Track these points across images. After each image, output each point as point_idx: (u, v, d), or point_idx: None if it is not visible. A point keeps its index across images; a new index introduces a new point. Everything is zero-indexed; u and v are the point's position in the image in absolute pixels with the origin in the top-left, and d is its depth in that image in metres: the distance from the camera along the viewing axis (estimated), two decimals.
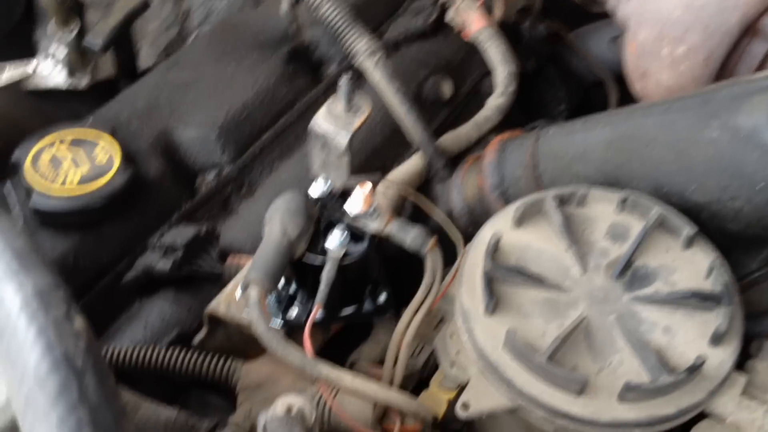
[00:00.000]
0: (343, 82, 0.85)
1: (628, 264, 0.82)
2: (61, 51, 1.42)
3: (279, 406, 0.63)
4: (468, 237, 1.08)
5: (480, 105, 1.30)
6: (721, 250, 0.84)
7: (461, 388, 0.80)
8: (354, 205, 0.80)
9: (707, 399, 0.74)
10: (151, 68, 1.37)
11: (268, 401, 0.80)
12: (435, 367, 0.87)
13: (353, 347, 0.91)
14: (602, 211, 0.87)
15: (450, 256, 0.92)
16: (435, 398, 0.80)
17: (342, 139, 0.87)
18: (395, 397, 0.70)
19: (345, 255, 0.80)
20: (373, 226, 0.81)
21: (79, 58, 1.42)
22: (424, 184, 1.15)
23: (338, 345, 0.92)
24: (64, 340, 0.48)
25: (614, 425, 0.72)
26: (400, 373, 0.76)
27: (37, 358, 0.46)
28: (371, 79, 1.12)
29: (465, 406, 0.76)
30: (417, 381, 0.88)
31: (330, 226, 0.81)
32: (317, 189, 0.84)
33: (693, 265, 0.83)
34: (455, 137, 1.18)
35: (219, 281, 0.94)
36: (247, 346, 0.83)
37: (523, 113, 1.44)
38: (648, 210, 0.85)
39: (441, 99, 1.28)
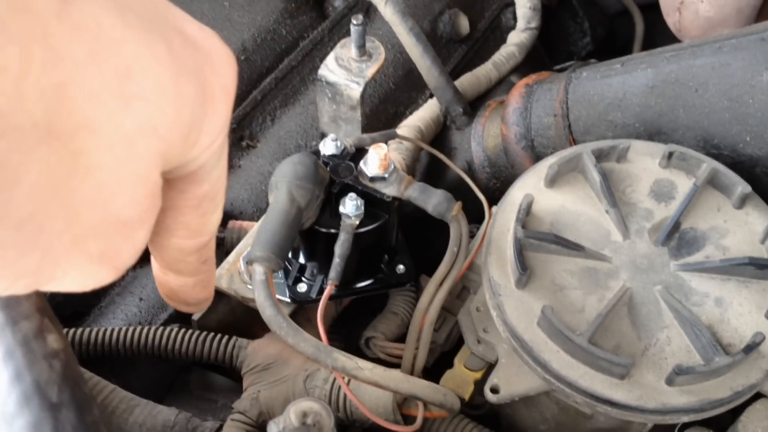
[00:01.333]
0: (354, 25, 0.74)
1: (675, 227, 0.74)
2: None
3: (293, 414, 0.55)
4: (490, 191, 1.00)
5: (500, 41, 1.19)
6: None
7: (489, 367, 0.74)
8: (369, 168, 0.71)
9: (764, 379, 0.67)
10: None
11: (277, 384, 0.74)
12: (459, 339, 0.80)
13: (367, 317, 0.84)
14: (645, 166, 0.78)
15: (472, 212, 0.84)
16: (460, 378, 0.73)
17: (354, 91, 0.77)
18: (419, 387, 0.63)
19: (360, 223, 0.71)
20: (390, 189, 0.72)
21: None
22: (441, 131, 1.05)
23: (351, 316, 0.85)
24: (36, 365, 0.40)
25: (662, 412, 0.65)
26: (422, 357, 0.69)
27: (3, 389, 0.38)
28: (383, 14, 1.02)
29: (495, 389, 0.70)
30: (439, 355, 0.81)
31: (343, 191, 0.73)
32: (327, 148, 0.74)
33: (747, 227, 0.74)
34: (474, 79, 1.08)
35: (220, 247, 0.86)
36: (253, 321, 0.76)
37: (543, 48, 1.33)
38: (697, 165, 0.76)
39: (458, 35, 1.17)
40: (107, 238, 0.31)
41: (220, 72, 0.34)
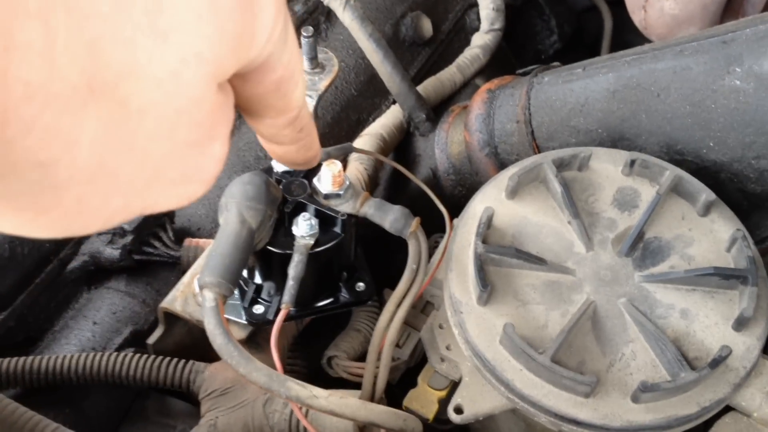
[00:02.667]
0: (304, 37, 0.72)
1: (639, 237, 0.72)
2: None
3: None
4: (456, 198, 0.98)
5: (465, 43, 1.18)
6: (739, 214, 0.74)
7: (454, 385, 0.72)
8: (323, 186, 0.69)
9: (732, 393, 0.65)
10: None
11: (235, 410, 0.72)
12: (424, 355, 0.78)
13: (330, 333, 0.82)
14: (608, 174, 0.77)
15: (437, 221, 0.82)
16: (424, 398, 0.71)
17: (307, 104, 0.75)
18: (376, 414, 0.61)
19: (315, 242, 0.69)
20: (346, 206, 0.70)
21: None
22: (406, 138, 1.03)
23: (314, 333, 0.83)
24: None
25: (628, 430, 0.63)
26: (383, 378, 0.67)
27: None
28: (342, 20, 0.99)
29: (458, 409, 0.68)
30: (404, 371, 0.79)
31: (297, 209, 0.70)
32: (280, 165, 0.72)
33: (712, 236, 0.73)
34: (438, 83, 1.06)
35: (177, 266, 0.83)
36: (210, 344, 0.73)
37: (510, 47, 1.31)
38: (660, 172, 0.75)
39: (421, 38, 1.14)
40: (183, 162, 0.33)
41: None
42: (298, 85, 0.41)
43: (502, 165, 0.91)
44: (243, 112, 0.40)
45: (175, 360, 0.75)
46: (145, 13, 0.28)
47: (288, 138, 0.45)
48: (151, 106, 0.30)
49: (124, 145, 0.30)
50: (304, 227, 0.68)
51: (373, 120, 1.03)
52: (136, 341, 0.80)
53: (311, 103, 0.74)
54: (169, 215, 0.86)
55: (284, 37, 0.37)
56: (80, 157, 0.28)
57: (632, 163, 0.75)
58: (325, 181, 0.69)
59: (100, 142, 0.28)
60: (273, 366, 0.61)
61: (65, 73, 0.26)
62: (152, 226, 0.83)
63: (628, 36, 1.38)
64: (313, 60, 0.72)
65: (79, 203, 0.30)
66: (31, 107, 0.25)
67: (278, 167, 0.72)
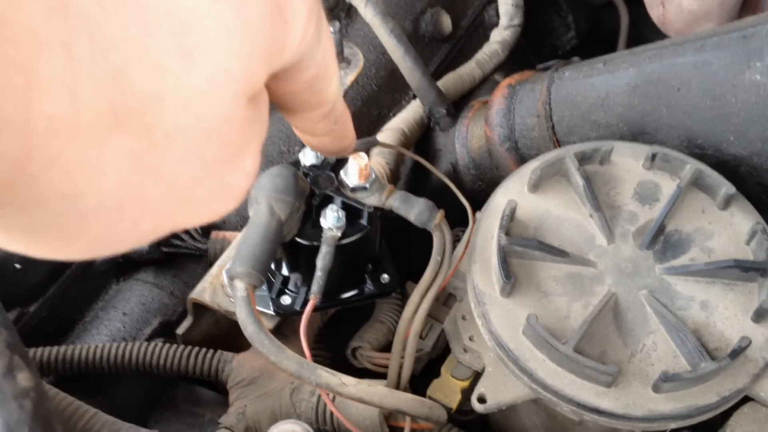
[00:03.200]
0: (331, 32, 0.73)
1: (660, 230, 0.73)
2: None
3: None
4: (475, 193, 0.99)
5: (484, 38, 1.18)
6: (759, 208, 0.75)
7: (476, 375, 0.73)
8: (350, 178, 0.70)
9: (751, 383, 0.66)
10: None
11: (263, 398, 0.73)
12: (447, 346, 0.79)
13: (354, 325, 0.83)
14: (629, 168, 0.78)
15: (458, 215, 0.83)
16: (447, 387, 0.73)
17: None
18: (403, 402, 0.62)
19: (342, 234, 0.71)
20: (372, 199, 0.72)
21: None
22: (426, 132, 1.04)
23: (338, 325, 0.84)
24: (6, 406, 0.39)
25: (649, 419, 0.65)
26: (408, 368, 0.69)
27: None
28: (363, 16, 1.00)
29: (481, 399, 0.69)
30: (427, 362, 0.81)
31: (324, 202, 0.72)
32: (307, 158, 0.74)
33: (732, 229, 0.74)
34: (457, 78, 1.07)
35: (204, 258, 0.85)
36: (238, 334, 0.74)
37: (527, 43, 1.32)
38: (681, 166, 0.76)
39: (440, 34, 1.15)
40: (213, 180, 0.32)
41: None
42: (332, 81, 0.41)
43: (522, 160, 0.92)
44: (277, 107, 0.40)
45: (204, 350, 0.76)
46: (172, 34, 0.27)
47: (323, 130, 0.45)
48: (179, 129, 0.29)
49: (152, 171, 0.29)
50: (331, 219, 0.69)
51: (394, 115, 1.04)
52: (165, 332, 0.81)
53: None
54: None
55: (318, 35, 0.36)
56: (106, 187, 0.27)
57: (653, 156, 0.76)
58: (352, 173, 0.70)
59: (127, 170, 0.28)
60: (302, 355, 0.63)
61: (90, 104, 0.25)
62: None
63: (644, 32, 1.38)
64: (339, 55, 0.74)
65: (108, 229, 0.29)
66: (55, 142, 0.25)
67: (305, 160, 0.73)
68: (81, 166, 0.26)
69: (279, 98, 0.39)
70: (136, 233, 0.30)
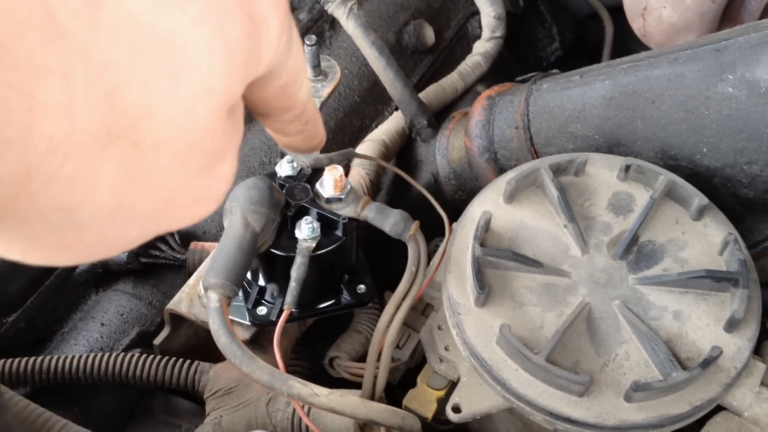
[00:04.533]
0: (308, 45, 0.74)
1: (633, 240, 0.74)
2: None
3: None
4: (456, 203, 1.00)
5: (466, 50, 1.20)
6: (732, 218, 0.76)
7: (452, 385, 0.73)
8: (325, 190, 0.71)
9: (723, 393, 0.67)
10: None
11: (239, 408, 0.73)
12: (424, 356, 0.79)
13: (333, 335, 0.84)
14: (603, 179, 0.78)
15: (437, 226, 0.84)
16: (423, 397, 0.73)
17: None
18: (376, 412, 0.62)
19: (317, 245, 0.71)
20: (347, 210, 0.72)
21: None
22: (408, 143, 1.05)
23: (317, 334, 0.85)
24: None
25: (621, 429, 0.65)
26: (383, 378, 0.69)
27: None
28: (345, 28, 1.01)
29: (456, 408, 0.69)
30: (405, 371, 0.81)
31: (299, 213, 0.72)
32: (284, 169, 0.74)
33: (705, 239, 0.74)
34: (439, 90, 1.08)
35: (183, 269, 0.85)
36: (215, 345, 0.75)
37: (512, 54, 1.33)
38: (654, 177, 0.76)
39: (423, 46, 1.17)
40: (194, 185, 0.34)
41: None
42: (302, 86, 0.43)
43: (501, 170, 0.93)
44: (251, 111, 0.42)
45: (181, 360, 0.77)
46: (159, 55, 0.29)
47: (295, 130, 0.46)
48: (165, 142, 0.30)
49: (141, 182, 0.30)
50: (306, 230, 0.70)
51: (376, 126, 1.05)
52: (142, 342, 0.82)
53: None
54: None
55: (289, 45, 0.38)
56: (100, 199, 0.29)
57: (627, 168, 0.77)
58: (327, 185, 0.71)
59: (119, 182, 0.29)
60: (276, 366, 0.63)
61: (85, 124, 0.27)
62: None
63: (629, 43, 1.39)
64: (316, 68, 0.74)
65: (101, 237, 0.31)
66: (54, 160, 0.26)
67: (281, 171, 0.74)
68: (77, 182, 0.28)
69: (253, 104, 0.41)
70: (125, 239, 0.32)
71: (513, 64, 1.30)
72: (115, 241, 0.32)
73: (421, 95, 1.04)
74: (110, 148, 0.28)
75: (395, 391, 0.79)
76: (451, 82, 1.10)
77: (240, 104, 0.37)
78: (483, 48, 1.15)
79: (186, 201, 0.34)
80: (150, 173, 0.31)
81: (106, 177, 0.29)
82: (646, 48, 1.20)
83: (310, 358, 0.84)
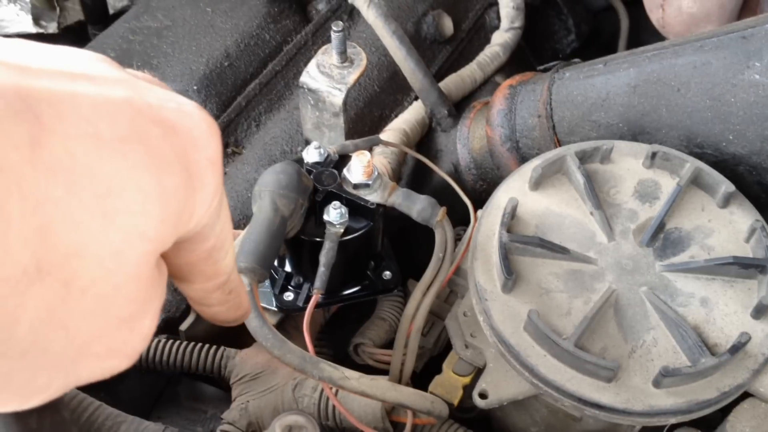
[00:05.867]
0: (335, 31, 0.74)
1: (660, 227, 0.74)
2: None
3: (278, 428, 0.55)
4: (477, 192, 1.00)
5: (485, 41, 1.19)
6: (757, 206, 0.76)
7: (478, 371, 0.73)
8: (353, 176, 0.71)
9: (751, 379, 0.67)
10: (123, 11, 1.25)
11: (265, 394, 0.74)
12: (448, 343, 0.79)
13: (357, 322, 0.84)
14: (629, 167, 0.78)
15: (459, 214, 0.84)
16: (449, 384, 0.73)
17: (336, 97, 0.77)
18: (405, 396, 0.63)
19: (345, 230, 0.71)
20: (374, 196, 0.72)
21: (45, 3, 1.31)
22: (427, 133, 1.05)
23: (340, 322, 0.85)
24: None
25: (650, 414, 0.65)
26: (410, 363, 0.69)
27: None
28: (366, 18, 1.01)
29: (483, 395, 0.70)
30: (428, 359, 0.81)
31: (327, 198, 0.72)
32: (311, 155, 0.74)
33: (731, 227, 0.74)
34: (459, 80, 1.08)
35: None
36: (241, 330, 0.75)
37: (528, 46, 1.33)
38: (680, 165, 0.76)
39: (442, 36, 1.16)
40: (111, 337, 0.33)
41: (204, 146, 0.34)
42: (229, 253, 0.42)
43: (523, 159, 0.93)
44: (173, 278, 0.40)
45: (207, 346, 0.77)
46: (95, 196, 0.29)
47: (217, 300, 0.45)
48: (92, 284, 0.30)
49: (60, 323, 0.30)
50: (335, 215, 0.70)
51: (396, 116, 1.05)
52: (168, 328, 0.82)
53: (340, 96, 0.76)
54: None
55: (219, 208, 0.38)
56: (17, 336, 0.28)
57: (653, 155, 0.77)
58: (355, 171, 0.71)
59: (39, 321, 0.29)
60: (305, 350, 0.64)
61: (16, 258, 0.27)
62: None
63: (644, 35, 1.39)
64: (343, 54, 0.75)
65: (6, 379, 0.30)
66: None
67: (309, 158, 0.74)
68: None
69: (177, 269, 0.40)
70: (30, 387, 0.31)
71: (530, 55, 1.30)
72: (20, 386, 0.30)
73: (441, 85, 1.04)
74: (38, 285, 0.28)
75: (417, 379, 0.80)
76: (470, 72, 1.10)
77: (163, 262, 0.36)
78: (502, 38, 1.15)
79: (100, 351, 0.33)
80: (71, 315, 0.30)
81: (28, 313, 0.28)
82: (660, 40, 1.20)
83: (334, 345, 0.84)
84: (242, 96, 1.04)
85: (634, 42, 1.43)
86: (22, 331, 0.28)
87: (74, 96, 0.30)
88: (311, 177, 0.72)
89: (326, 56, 0.78)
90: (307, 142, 0.78)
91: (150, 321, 0.35)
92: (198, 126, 0.34)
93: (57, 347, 0.30)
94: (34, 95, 0.28)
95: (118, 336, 0.33)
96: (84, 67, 0.32)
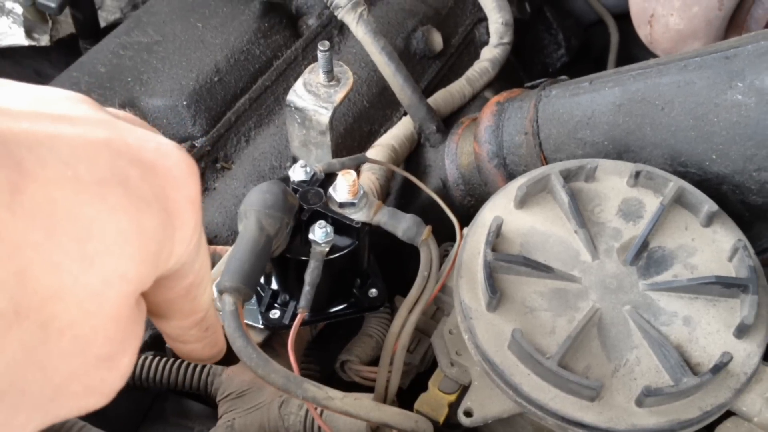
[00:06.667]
0: (321, 51, 0.75)
1: (644, 246, 0.74)
2: (17, 8, 1.31)
3: None
4: (465, 208, 1.00)
5: (474, 56, 1.20)
6: (741, 225, 0.76)
7: (463, 389, 0.74)
8: (338, 194, 0.71)
9: (733, 398, 0.67)
10: (115, 25, 1.26)
11: (252, 411, 0.74)
12: (434, 360, 0.80)
13: (344, 339, 0.84)
14: (613, 185, 0.79)
15: (447, 230, 0.84)
16: (435, 401, 0.74)
17: (323, 116, 0.77)
18: (389, 415, 0.63)
19: (331, 249, 0.72)
20: (360, 215, 0.73)
21: (37, 16, 1.31)
22: (416, 149, 1.06)
23: (328, 338, 0.85)
24: None
25: None
26: (396, 381, 0.69)
27: None
28: (354, 34, 1.02)
29: (468, 413, 0.70)
30: (415, 376, 0.82)
31: (313, 217, 0.73)
32: (297, 174, 0.75)
33: (714, 245, 0.75)
34: (448, 95, 1.09)
35: None
36: (228, 347, 0.76)
37: (518, 60, 1.34)
38: (664, 184, 0.77)
39: (431, 52, 1.17)
40: (88, 376, 0.33)
41: (182, 185, 0.35)
42: (206, 290, 0.43)
43: (510, 176, 0.93)
44: (151, 315, 0.41)
45: (193, 363, 0.77)
46: (74, 240, 0.30)
47: (194, 337, 0.45)
48: (71, 325, 0.30)
49: (37, 365, 0.30)
50: (320, 234, 0.70)
51: (385, 131, 1.06)
52: (155, 345, 0.82)
53: (326, 115, 0.77)
54: None
55: (198, 246, 0.39)
56: None
57: (637, 174, 0.78)
58: (341, 190, 0.71)
59: (17, 362, 0.29)
60: (290, 368, 0.64)
61: None
62: None
63: (634, 50, 1.40)
64: (329, 73, 0.75)
65: None
66: None
67: (295, 176, 0.74)
68: None
69: (155, 306, 0.40)
70: (9, 426, 0.31)
71: (519, 70, 1.31)
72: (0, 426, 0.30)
73: (430, 101, 1.05)
74: (16, 328, 0.28)
75: (404, 396, 0.80)
76: (459, 87, 1.11)
77: (143, 301, 0.37)
78: (491, 54, 1.16)
79: (78, 390, 0.33)
80: (49, 357, 0.30)
81: (6, 356, 0.28)
82: (651, 55, 1.21)
83: (321, 362, 0.84)
84: (232, 111, 1.05)
85: (624, 56, 1.44)
86: None
87: (54, 138, 0.30)
88: (297, 196, 0.72)
89: (313, 75, 0.79)
90: (295, 160, 0.79)
91: (128, 359, 0.35)
92: (177, 166, 0.35)
93: (35, 388, 0.30)
94: (14, 139, 0.29)
95: (96, 375, 0.33)
96: (64, 108, 0.33)
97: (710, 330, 0.70)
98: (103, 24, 1.37)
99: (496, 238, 0.74)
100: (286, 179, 0.75)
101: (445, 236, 0.86)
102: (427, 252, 0.73)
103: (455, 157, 1.00)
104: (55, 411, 0.33)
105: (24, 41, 1.34)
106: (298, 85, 0.79)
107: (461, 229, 0.78)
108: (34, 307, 0.29)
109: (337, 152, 0.91)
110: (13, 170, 0.28)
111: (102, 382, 0.34)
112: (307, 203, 0.73)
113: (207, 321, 0.44)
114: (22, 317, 0.28)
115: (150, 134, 0.36)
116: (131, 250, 0.32)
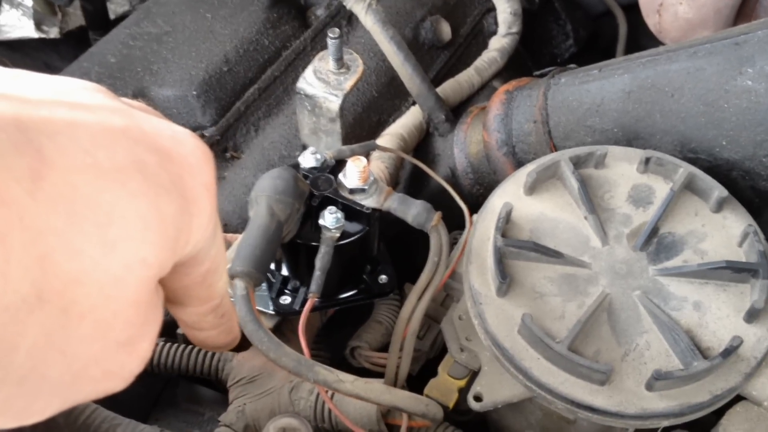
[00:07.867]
0: (331, 38, 0.75)
1: (653, 232, 0.74)
2: (27, 0, 1.32)
3: (272, 431, 0.56)
4: (474, 197, 1.00)
5: (482, 46, 1.20)
6: (750, 210, 0.76)
7: (473, 374, 0.74)
8: (348, 181, 0.72)
9: (743, 382, 0.67)
10: (124, 17, 1.26)
11: (262, 396, 0.74)
12: (443, 347, 0.80)
13: (353, 325, 0.84)
14: (623, 172, 0.79)
15: (456, 218, 0.85)
16: (444, 387, 0.74)
17: (333, 103, 0.78)
18: (400, 399, 0.63)
19: (341, 234, 0.72)
20: (370, 201, 0.73)
21: (46, 8, 1.32)
22: (425, 138, 1.06)
23: (337, 325, 0.85)
24: None
25: (642, 417, 0.66)
26: (405, 367, 0.70)
27: None
28: (363, 23, 1.02)
29: (478, 397, 0.70)
30: (424, 362, 0.82)
31: (323, 203, 0.73)
32: (307, 161, 0.75)
33: (724, 231, 0.75)
34: (456, 85, 1.09)
35: None
36: (240, 334, 0.76)
37: (526, 51, 1.34)
38: (674, 170, 0.77)
39: (440, 41, 1.17)
40: (108, 360, 0.33)
41: (199, 172, 0.35)
42: (222, 276, 0.43)
43: (519, 164, 0.94)
44: (167, 302, 0.41)
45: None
46: (96, 225, 0.30)
47: (209, 324, 0.45)
48: (92, 310, 0.31)
49: (58, 349, 0.30)
50: (331, 220, 0.71)
51: (394, 121, 1.06)
52: (166, 331, 0.82)
53: (337, 102, 0.77)
54: None
55: (214, 233, 0.39)
56: (16, 362, 0.29)
57: (647, 160, 0.78)
58: (351, 176, 0.72)
59: (38, 347, 0.29)
60: (301, 354, 0.64)
61: (17, 286, 0.27)
62: None
63: (642, 40, 1.40)
64: (339, 60, 0.75)
65: (5, 405, 0.30)
66: None
67: (305, 163, 0.75)
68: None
69: (172, 292, 0.40)
70: (29, 411, 0.31)
71: (527, 60, 1.31)
72: (19, 410, 0.31)
73: (438, 90, 1.05)
74: (38, 312, 0.28)
75: (413, 382, 0.80)
76: (468, 77, 1.11)
77: (160, 286, 0.37)
78: (499, 44, 1.16)
79: (97, 374, 0.33)
80: (69, 341, 0.30)
81: (27, 340, 0.28)
82: (659, 45, 1.21)
83: (330, 348, 0.85)
84: (241, 101, 1.05)
85: (632, 47, 1.44)
86: (21, 358, 0.29)
87: (73, 126, 0.31)
88: (307, 182, 0.73)
89: (323, 62, 0.79)
90: (305, 147, 0.79)
91: (148, 344, 0.35)
92: (193, 153, 0.36)
93: (55, 372, 0.31)
94: (35, 127, 0.29)
95: (116, 359, 0.33)
96: (81, 96, 0.33)
97: (720, 315, 0.70)
98: (112, 16, 1.37)
99: (505, 224, 0.74)
100: (296, 166, 0.76)
101: (453, 226, 0.86)
102: (437, 237, 0.73)
103: (464, 146, 1.00)
104: (74, 395, 0.33)
105: (34, 33, 1.35)
106: (308, 73, 0.79)
107: (470, 215, 0.79)
108: (55, 291, 0.29)
109: (346, 141, 0.91)
110: (34, 158, 0.28)
111: (121, 367, 0.34)
112: (317, 189, 0.73)
113: (223, 307, 0.45)
114: (43, 302, 0.29)
115: (165, 122, 0.36)
116: (151, 235, 0.32)
